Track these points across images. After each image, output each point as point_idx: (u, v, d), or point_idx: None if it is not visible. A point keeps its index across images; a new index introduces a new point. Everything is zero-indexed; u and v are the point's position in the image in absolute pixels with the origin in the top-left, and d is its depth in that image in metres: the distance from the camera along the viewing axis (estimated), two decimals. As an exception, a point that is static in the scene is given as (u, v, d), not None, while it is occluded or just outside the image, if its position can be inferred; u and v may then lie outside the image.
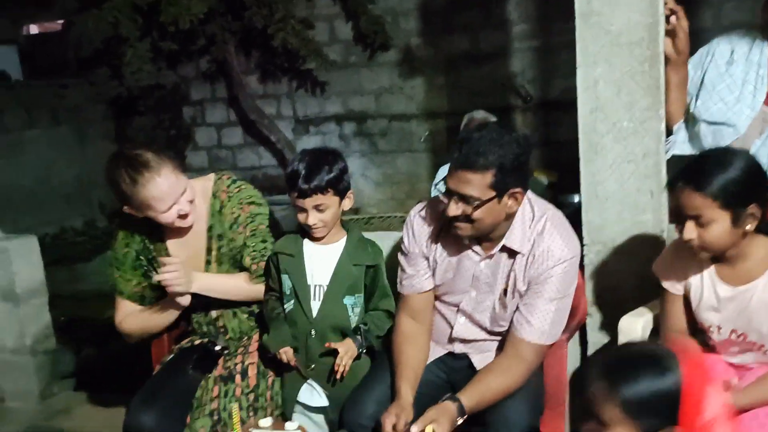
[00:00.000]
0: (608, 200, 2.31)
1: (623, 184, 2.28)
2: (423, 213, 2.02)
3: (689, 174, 1.67)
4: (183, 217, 2.09)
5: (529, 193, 1.93)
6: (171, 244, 2.21)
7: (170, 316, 2.20)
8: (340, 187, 2.01)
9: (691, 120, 2.45)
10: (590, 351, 2.41)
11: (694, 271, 1.82)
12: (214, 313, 2.24)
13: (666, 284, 1.88)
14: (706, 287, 1.80)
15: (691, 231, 1.67)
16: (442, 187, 1.89)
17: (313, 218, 1.99)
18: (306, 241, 2.09)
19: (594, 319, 2.38)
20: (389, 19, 5.55)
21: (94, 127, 6.44)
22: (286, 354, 2.02)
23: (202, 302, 2.19)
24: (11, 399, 3.24)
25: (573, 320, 2.11)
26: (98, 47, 5.47)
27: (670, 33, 2.23)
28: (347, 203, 2.06)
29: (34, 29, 7.07)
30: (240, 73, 5.82)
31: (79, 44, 5.42)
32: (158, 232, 2.20)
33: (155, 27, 5.33)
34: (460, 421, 1.78)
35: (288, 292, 2.08)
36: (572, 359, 2.36)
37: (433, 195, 3.32)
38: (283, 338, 2.04)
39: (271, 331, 2.07)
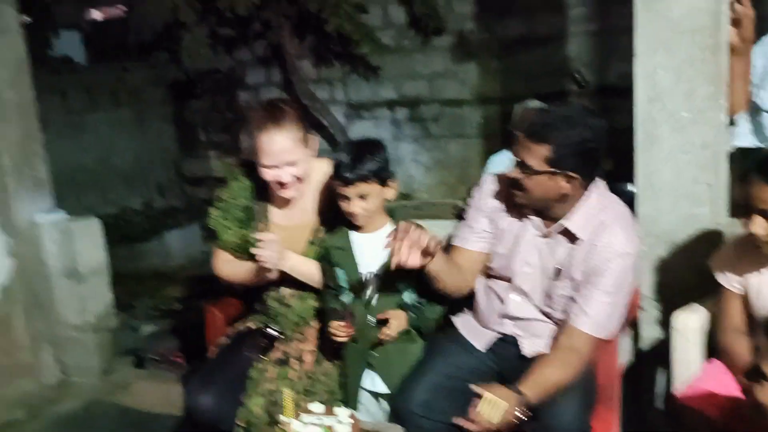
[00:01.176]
0: (663, 191, 2.26)
1: (679, 175, 2.23)
2: (497, 179, 2.05)
3: (764, 167, 1.63)
4: (280, 184, 2.13)
5: (602, 184, 1.92)
6: (275, 211, 2.27)
7: (257, 278, 2.23)
8: (382, 175, 2.04)
9: (755, 110, 2.38)
10: (643, 346, 2.38)
11: (753, 268, 1.78)
12: (285, 292, 2.27)
13: (723, 281, 1.84)
14: (765, 284, 1.76)
15: (759, 225, 1.64)
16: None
17: (355, 206, 2.03)
18: (352, 233, 2.13)
19: (647, 314, 2.35)
20: (443, 2, 5.49)
21: (153, 110, 6.59)
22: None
23: (279, 278, 2.23)
24: (74, 374, 3.37)
25: (626, 315, 2.08)
26: (158, 32, 5.58)
27: (735, 21, 2.16)
28: (390, 192, 2.08)
29: (96, 14, 7.25)
30: (294, 58, 5.86)
31: (140, 29, 5.54)
32: (267, 194, 2.25)
33: (213, 12, 5.41)
34: (519, 414, 1.76)
35: (343, 285, 2.12)
36: (625, 355, 2.34)
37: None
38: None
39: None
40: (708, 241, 2.22)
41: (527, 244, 1.96)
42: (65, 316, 3.32)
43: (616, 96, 4.81)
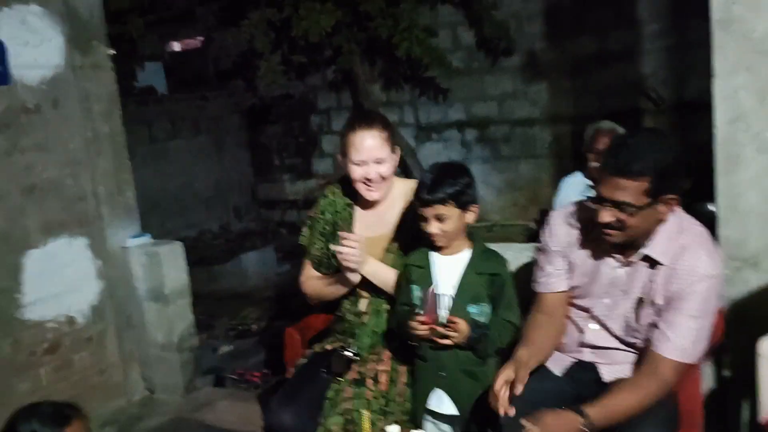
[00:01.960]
0: (750, 214, 2.20)
1: (766, 198, 2.17)
2: (565, 214, 2.03)
3: None
4: (367, 182, 2.26)
5: (678, 207, 1.89)
6: (358, 223, 2.39)
7: (340, 290, 2.35)
8: (462, 199, 2.06)
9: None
10: (727, 372, 2.31)
11: None
12: (362, 304, 2.36)
13: None
14: None
15: None
16: (570, 197, 1.88)
17: (433, 227, 2.06)
18: (433, 254, 2.16)
19: (731, 339, 2.28)
20: (513, 23, 5.50)
21: (230, 136, 6.83)
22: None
23: (359, 286, 2.32)
24: (160, 392, 3.51)
25: (709, 340, 2.03)
26: (235, 61, 5.81)
27: (820, 38, 2.10)
28: (470, 216, 2.10)
29: (177, 46, 7.59)
30: (364, 82, 5.97)
31: (218, 58, 5.78)
32: (352, 208, 2.41)
33: (286, 40, 5.59)
34: None
35: (418, 303, 2.15)
36: (708, 381, 2.28)
37: (556, 206, 3.28)
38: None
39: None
40: (796, 265, 2.14)
41: (606, 275, 1.94)
42: (153, 336, 3.47)
43: (692, 112, 4.70)
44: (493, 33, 5.48)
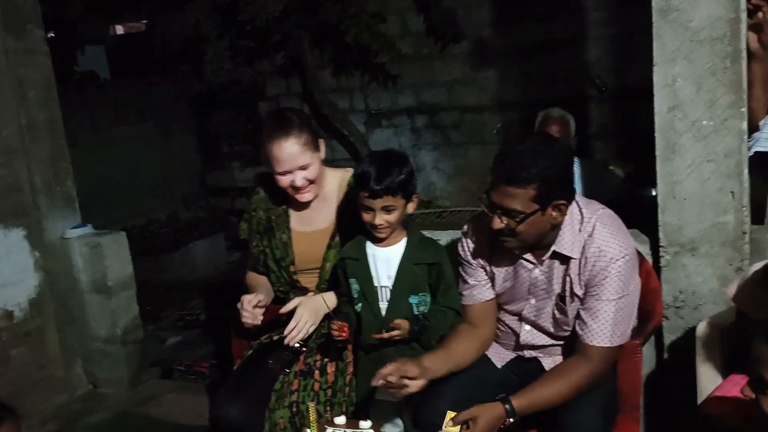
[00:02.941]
0: (687, 201, 2.25)
1: (703, 185, 2.22)
2: (475, 226, 2.04)
3: None
4: (296, 189, 2.22)
5: (578, 197, 1.92)
6: (294, 219, 2.36)
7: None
8: (408, 190, 2.05)
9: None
10: (666, 356, 2.37)
11: None
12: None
13: (747, 311, 1.83)
14: None
15: None
16: None
17: (380, 219, 2.04)
18: (369, 244, 2.15)
19: (670, 323, 2.34)
20: (461, 10, 5.51)
21: (177, 123, 6.68)
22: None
23: (303, 285, 2.33)
24: (103, 386, 3.44)
25: (648, 324, 2.08)
26: (180, 46, 5.67)
27: (755, 28, 2.15)
28: (411, 206, 2.10)
29: (119, 30, 7.37)
30: (314, 68, 5.91)
31: (163, 43, 5.62)
32: (286, 203, 2.35)
33: (233, 25, 5.48)
34: (510, 422, 1.79)
35: (356, 296, 2.14)
36: (647, 363, 2.33)
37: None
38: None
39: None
40: (733, 249, 2.21)
41: (524, 279, 1.97)
42: (95, 330, 3.39)
43: (636, 98, 4.78)
44: (441, 19, 5.48)
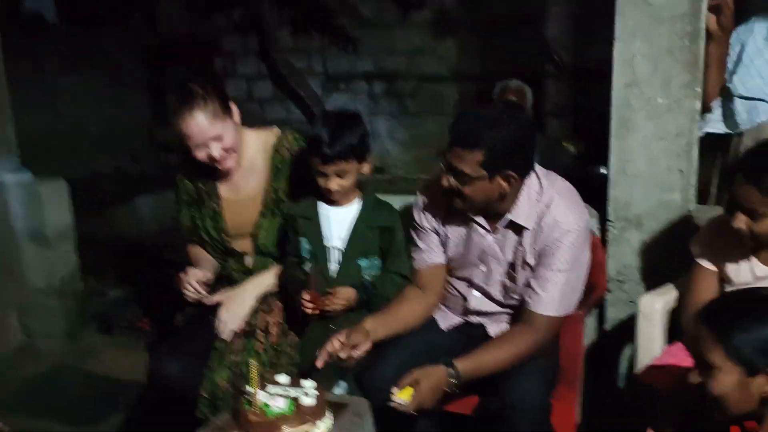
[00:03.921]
0: (637, 178, 2.29)
1: (653, 162, 2.26)
2: (430, 189, 2.03)
3: (750, 169, 1.67)
4: (214, 161, 2.12)
5: (537, 167, 1.92)
6: (221, 186, 2.27)
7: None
8: (362, 151, 2.01)
9: (726, 96, 2.41)
10: (608, 327, 2.42)
11: (732, 250, 1.82)
12: (248, 261, 2.29)
13: (702, 261, 1.88)
14: (743, 267, 1.81)
15: (742, 222, 1.68)
16: None
17: (333, 184, 2.00)
18: (321, 204, 2.10)
19: (613, 296, 2.39)
20: (425, -24, 5.45)
21: (128, 75, 6.46)
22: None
23: (240, 250, 2.27)
24: (40, 339, 3.32)
25: (591, 295, 2.12)
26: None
27: (715, 9, 2.17)
28: (366, 167, 2.06)
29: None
30: (272, 26, 5.78)
31: (115, -11, 5.40)
32: (212, 171, 2.24)
33: (190, -25, 5.30)
34: (453, 385, 1.80)
35: (306, 255, 2.10)
36: (588, 335, 2.38)
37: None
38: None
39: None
40: (678, 226, 2.25)
41: (477, 245, 1.97)
42: (31, 280, 3.27)
43: (592, 79, 4.83)
44: (405, -16, 5.42)
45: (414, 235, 2.07)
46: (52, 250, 3.23)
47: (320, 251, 2.09)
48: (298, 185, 2.19)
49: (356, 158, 2.00)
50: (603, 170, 2.45)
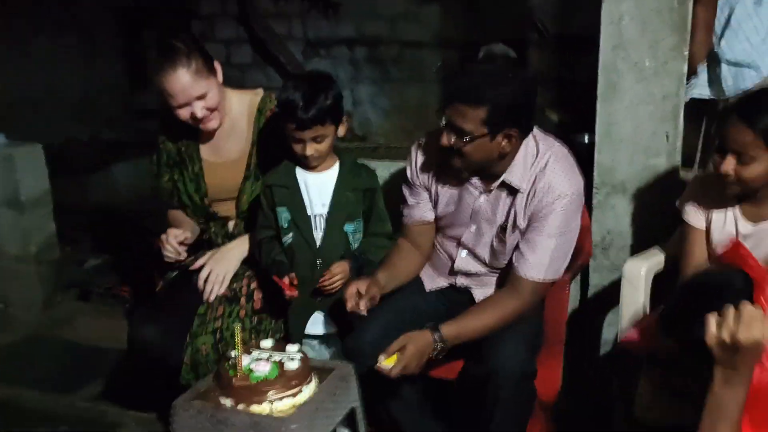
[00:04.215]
0: (622, 142, 2.27)
1: (639, 126, 2.24)
2: (425, 145, 1.99)
3: (746, 109, 1.64)
4: (197, 120, 2.07)
5: (536, 130, 1.89)
6: (204, 149, 2.23)
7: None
8: (338, 114, 1.97)
9: (713, 61, 2.40)
10: (591, 293, 2.43)
11: (717, 207, 1.82)
12: (230, 225, 2.27)
13: (689, 218, 1.87)
14: (728, 222, 1.80)
15: (730, 165, 1.66)
16: None
17: (310, 149, 1.96)
18: (299, 170, 2.06)
19: (597, 261, 2.38)
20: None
21: (103, 38, 6.31)
22: (290, 278, 2.00)
23: (222, 215, 2.24)
24: (14, 307, 3.27)
25: (576, 261, 2.11)
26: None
27: (703, -30, 2.15)
28: (342, 129, 2.02)
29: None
30: (252, -10, 5.66)
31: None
32: (194, 133, 2.20)
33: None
34: (438, 350, 1.79)
35: (286, 225, 2.05)
36: (572, 300, 2.38)
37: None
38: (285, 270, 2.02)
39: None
40: (663, 192, 2.24)
41: (469, 204, 1.94)
42: (6, 247, 3.21)
43: (576, 48, 4.80)
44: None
45: (405, 191, 2.05)
46: (28, 215, 3.17)
47: (302, 220, 2.05)
48: (273, 152, 2.14)
49: (333, 121, 1.96)
50: (586, 138, 2.43)
